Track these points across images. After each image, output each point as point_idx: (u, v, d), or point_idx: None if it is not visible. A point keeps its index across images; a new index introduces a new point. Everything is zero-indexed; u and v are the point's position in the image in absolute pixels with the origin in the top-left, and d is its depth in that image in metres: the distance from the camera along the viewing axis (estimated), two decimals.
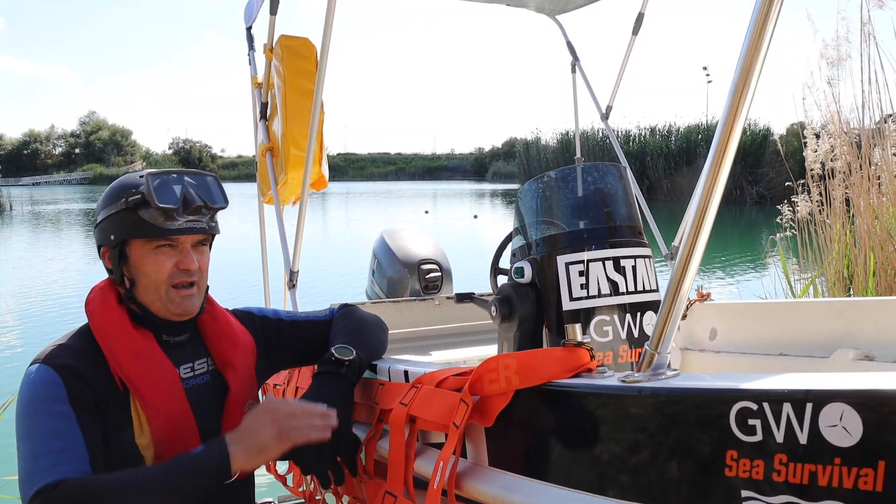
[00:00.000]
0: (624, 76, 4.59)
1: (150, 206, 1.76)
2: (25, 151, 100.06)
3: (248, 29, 4.58)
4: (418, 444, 1.89)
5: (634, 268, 2.63)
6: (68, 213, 32.57)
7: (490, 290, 3.03)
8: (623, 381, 1.31)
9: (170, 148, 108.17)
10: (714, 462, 1.14)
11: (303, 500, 3.19)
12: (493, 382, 1.56)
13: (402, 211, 33.65)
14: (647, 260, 2.68)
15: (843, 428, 0.99)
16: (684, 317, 3.97)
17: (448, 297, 4.20)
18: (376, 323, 2.34)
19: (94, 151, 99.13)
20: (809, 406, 1.02)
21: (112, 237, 1.82)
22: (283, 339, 2.20)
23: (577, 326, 1.53)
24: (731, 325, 3.76)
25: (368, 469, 2.09)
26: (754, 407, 1.08)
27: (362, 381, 2.25)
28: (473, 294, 3.67)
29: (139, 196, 1.77)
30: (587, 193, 2.87)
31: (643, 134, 39.21)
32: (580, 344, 1.50)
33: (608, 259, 2.56)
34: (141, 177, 1.83)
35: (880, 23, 5.71)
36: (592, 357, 1.51)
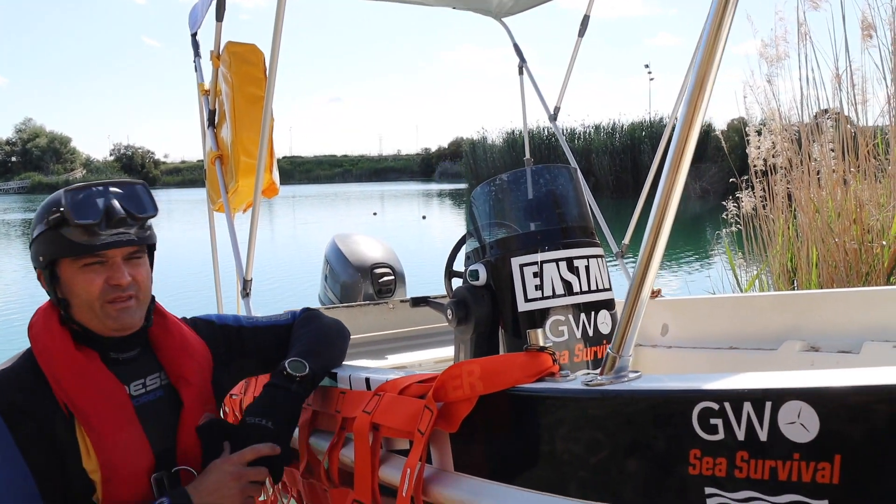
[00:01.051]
0: (571, 77, 4.66)
1: (68, 222, 1.71)
2: None
3: (194, 35, 4.51)
4: (383, 452, 1.90)
5: (587, 267, 2.68)
6: (6, 224, 31.66)
7: (444, 294, 3.05)
8: (586, 385, 1.34)
9: (111, 154, 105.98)
10: (678, 461, 1.17)
11: None
12: (457, 389, 1.58)
13: (349, 213, 33.52)
14: (599, 259, 2.73)
15: (800, 424, 1.03)
16: None
17: (402, 301, 4.21)
18: (337, 330, 2.32)
19: (31, 159, 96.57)
20: (769, 404, 1.06)
21: (41, 258, 1.78)
22: (245, 346, 2.17)
23: (540, 331, 1.55)
24: (682, 321, 3.84)
25: (333, 478, 2.09)
26: (716, 407, 1.12)
27: (322, 390, 2.24)
28: (429, 298, 3.68)
29: (59, 214, 1.73)
30: (539, 195, 2.91)
31: (588, 132, 39.66)
32: (543, 348, 1.52)
33: (562, 260, 2.60)
34: (66, 191, 1.78)
35: (815, 23, 5.87)
36: (555, 361, 1.53)
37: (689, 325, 3.79)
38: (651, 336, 4.01)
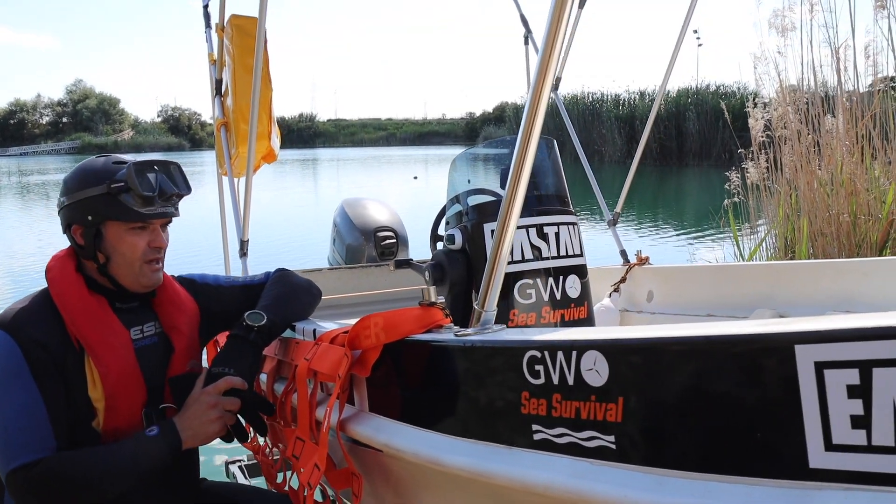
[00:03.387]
0: (572, 47, 4.76)
1: (131, 192, 1.98)
2: (12, 121, 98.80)
3: (205, 7, 4.71)
4: (322, 395, 2.11)
5: (557, 234, 2.82)
6: (58, 184, 32.54)
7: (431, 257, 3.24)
8: (456, 335, 1.53)
9: (158, 116, 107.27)
10: (515, 401, 1.36)
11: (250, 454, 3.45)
12: (366, 338, 1.78)
13: (391, 177, 33.69)
14: (571, 227, 2.87)
15: (595, 371, 1.21)
16: (624, 280, 4.20)
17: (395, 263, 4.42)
18: (305, 288, 2.53)
19: (81, 120, 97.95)
20: (574, 353, 1.24)
21: (90, 217, 2.02)
22: (221, 303, 2.41)
23: (432, 289, 1.74)
24: (667, 288, 3.99)
25: (286, 418, 2.32)
26: (539, 355, 1.30)
27: (282, 340, 2.47)
28: (411, 260, 3.87)
29: (122, 183, 1.98)
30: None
31: (633, 98, 39.19)
32: (432, 304, 1.72)
33: (531, 226, 2.75)
34: (115, 163, 2.05)
35: None
36: (447, 315, 1.73)
37: (673, 292, 3.94)
38: (638, 302, 4.17)
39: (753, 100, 6.03)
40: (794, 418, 0.98)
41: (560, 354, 1.26)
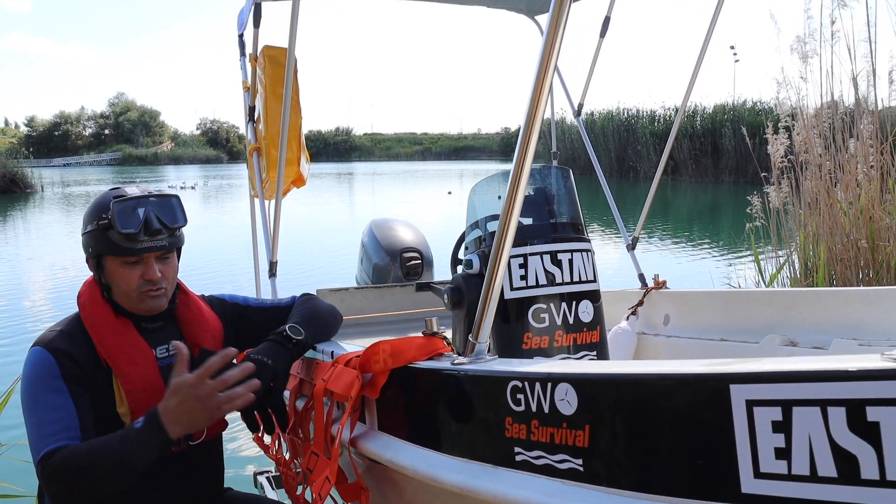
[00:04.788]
0: (593, 76, 4.90)
1: (114, 229, 2.12)
2: (56, 133, 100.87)
3: (240, 36, 4.93)
4: (336, 413, 2.28)
5: (571, 261, 2.95)
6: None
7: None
8: (452, 364, 1.69)
9: (197, 128, 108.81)
10: (500, 425, 1.52)
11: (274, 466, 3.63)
12: (376, 363, 1.95)
13: (425, 192, 33.93)
14: (584, 253, 3.00)
15: (567, 401, 1.36)
16: (641, 303, 4.32)
17: (415, 286, 4.58)
18: (329, 313, 2.68)
19: (123, 132, 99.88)
20: (549, 384, 1.39)
21: (90, 250, 2.20)
22: (250, 322, 2.57)
23: (434, 319, 1.90)
24: (683, 312, 4.09)
25: (306, 435, 2.49)
26: (520, 385, 1.46)
27: (304, 360, 2.64)
28: (432, 283, 4.04)
29: (106, 220, 2.13)
30: (534, 193, 3.21)
31: (668, 114, 39.04)
32: (435, 333, 1.88)
33: (546, 253, 2.88)
34: (114, 198, 2.17)
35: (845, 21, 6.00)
36: (448, 344, 1.88)
37: (688, 316, 4.05)
38: (654, 325, 4.28)
39: (774, 126, 6.12)
40: (729, 449, 1.13)
41: (538, 385, 1.41)
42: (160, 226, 2.17)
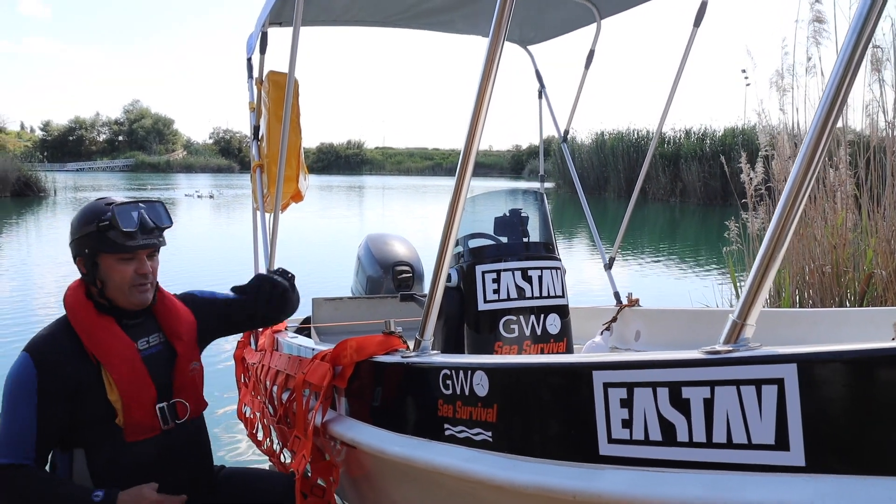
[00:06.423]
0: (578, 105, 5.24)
1: (115, 229, 2.45)
2: (71, 137, 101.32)
3: (249, 60, 5.28)
4: (315, 401, 2.62)
5: (541, 277, 3.26)
6: None
7: None
8: (402, 357, 2.05)
9: (210, 137, 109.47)
10: (434, 406, 1.86)
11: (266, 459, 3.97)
12: (344, 357, 2.30)
13: (435, 207, 34.19)
14: (554, 271, 3.31)
15: (481, 385, 1.71)
16: (615, 319, 4.65)
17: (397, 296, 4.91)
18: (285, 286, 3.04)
19: (136, 139, 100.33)
20: (469, 372, 1.74)
21: (86, 251, 2.51)
22: (218, 309, 2.91)
23: (392, 321, 2.25)
24: (653, 328, 4.42)
25: (291, 421, 2.82)
26: (449, 373, 1.81)
27: (294, 359, 2.97)
28: (415, 294, 4.38)
29: (107, 222, 2.44)
30: (509, 215, 3.53)
31: (678, 136, 39.21)
32: (392, 333, 2.23)
33: (517, 269, 3.19)
34: (106, 204, 2.50)
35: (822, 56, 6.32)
36: (404, 342, 2.23)
37: (658, 332, 4.38)
38: (626, 340, 4.61)
39: (748, 157, 6.46)
40: (591, 420, 1.47)
41: (461, 373, 1.76)
42: (154, 226, 2.52)
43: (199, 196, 35.93)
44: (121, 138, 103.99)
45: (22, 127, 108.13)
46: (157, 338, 2.65)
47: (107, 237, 2.45)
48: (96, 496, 2.31)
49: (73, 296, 2.55)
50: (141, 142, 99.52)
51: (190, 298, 2.88)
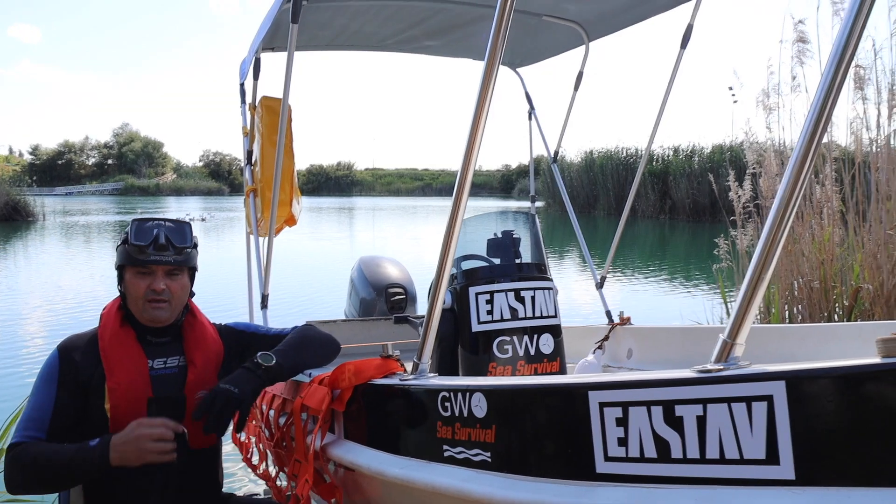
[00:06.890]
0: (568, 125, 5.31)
1: (130, 242, 2.53)
2: (60, 161, 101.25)
3: (241, 85, 5.34)
4: (313, 425, 2.64)
5: (534, 298, 3.29)
6: (99, 225, 33.45)
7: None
8: (400, 380, 2.08)
9: (200, 160, 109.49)
10: (433, 428, 1.90)
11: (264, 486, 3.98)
12: (342, 381, 2.33)
13: (426, 228, 34.25)
14: (546, 291, 3.34)
15: (479, 406, 1.75)
16: (607, 338, 4.69)
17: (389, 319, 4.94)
18: (321, 341, 2.91)
19: (126, 163, 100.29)
20: (468, 394, 1.78)
21: (117, 262, 2.62)
22: (251, 347, 2.86)
23: (390, 344, 2.29)
24: (644, 346, 4.46)
25: (289, 445, 2.85)
26: (448, 395, 1.84)
27: (291, 383, 2.98)
28: (408, 317, 4.41)
29: (125, 235, 2.56)
30: (501, 237, 3.57)
31: (666, 154, 39.43)
32: (389, 356, 2.27)
33: (510, 290, 3.22)
34: (137, 220, 2.59)
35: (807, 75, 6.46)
36: (401, 365, 2.27)
37: (650, 350, 4.41)
38: (619, 358, 4.65)
39: (736, 175, 6.55)
40: (587, 439, 1.51)
41: (459, 395, 1.80)
42: (166, 243, 2.55)
43: (190, 219, 35.73)
44: (110, 162, 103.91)
45: (10, 151, 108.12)
46: (178, 360, 2.65)
47: (125, 249, 2.55)
48: (93, 442, 2.35)
49: (110, 304, 2.65)
50: (130, 165, 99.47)
51: (225, 328, 2.89)
